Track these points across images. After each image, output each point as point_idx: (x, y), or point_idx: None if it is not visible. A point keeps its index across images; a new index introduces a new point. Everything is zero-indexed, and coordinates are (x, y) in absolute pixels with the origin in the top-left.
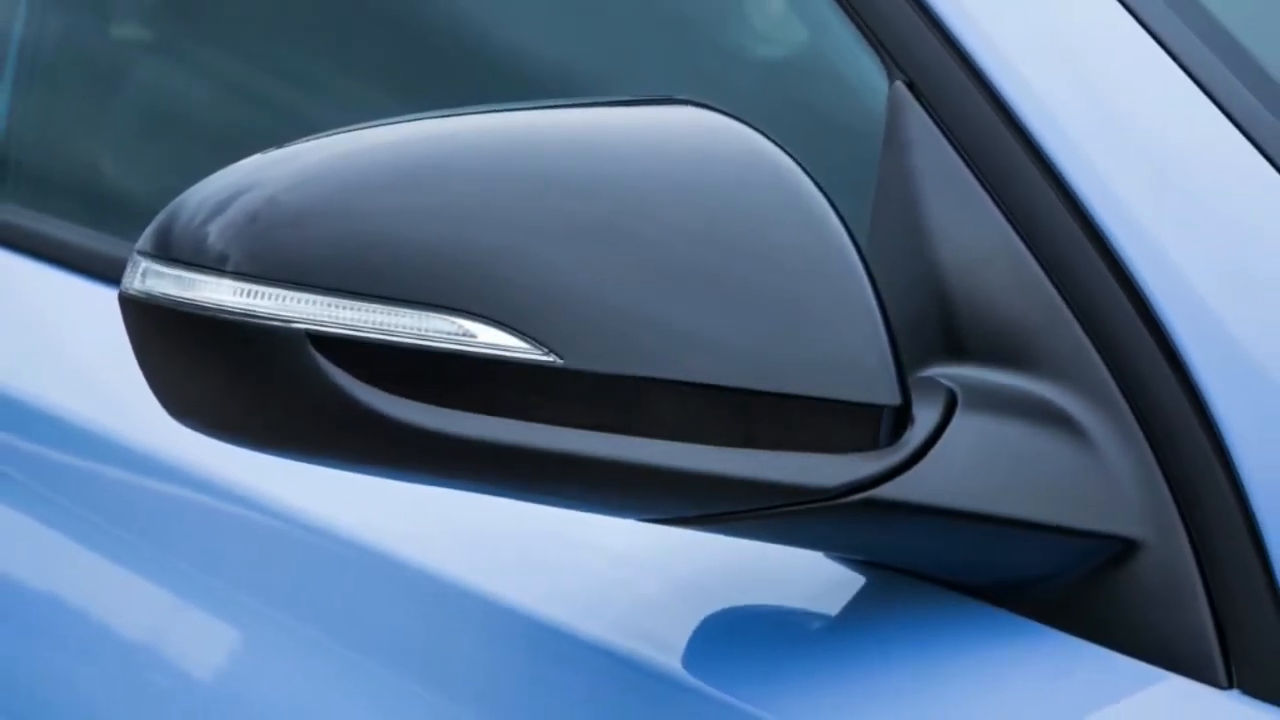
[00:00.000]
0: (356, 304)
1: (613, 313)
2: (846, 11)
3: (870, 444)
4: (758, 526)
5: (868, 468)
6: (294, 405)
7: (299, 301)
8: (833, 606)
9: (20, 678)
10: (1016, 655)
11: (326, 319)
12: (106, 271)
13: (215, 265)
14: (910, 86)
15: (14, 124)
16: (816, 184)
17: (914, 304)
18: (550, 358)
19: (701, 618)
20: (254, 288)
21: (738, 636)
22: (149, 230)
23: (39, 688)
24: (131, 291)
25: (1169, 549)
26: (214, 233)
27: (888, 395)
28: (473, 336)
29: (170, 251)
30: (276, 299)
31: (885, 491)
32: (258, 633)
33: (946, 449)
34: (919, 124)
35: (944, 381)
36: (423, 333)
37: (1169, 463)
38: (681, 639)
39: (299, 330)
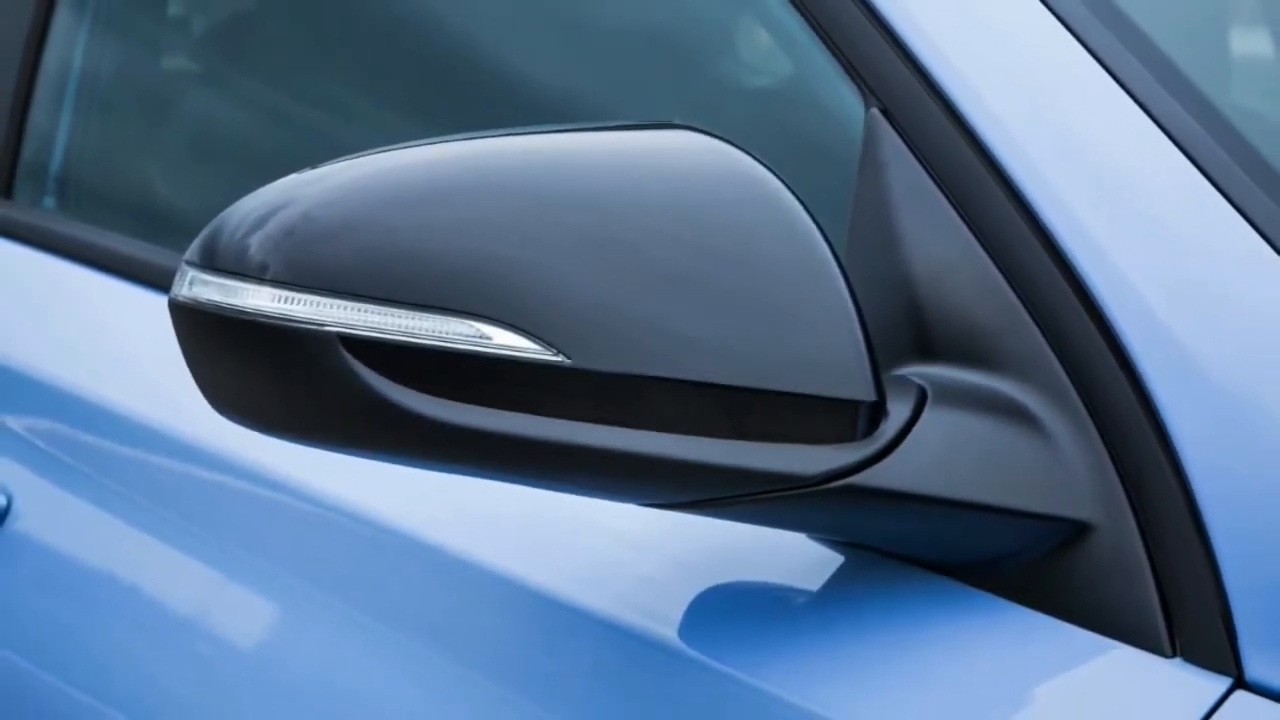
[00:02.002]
0: (383, 309)
1: (615, 317)
2: (826, 45)
3: (849, 436)
4: (747, 511)
5: (846, 457)
6: (327, 401)
7: (331, 307)
8: (815, 583)
9: (82, 646)
10: (981, 627)
11: (356, 322)
12: (157, 280)
13: (256, 274)
14: (884, 113)
15: (73, 146)
16: (800, 200)
17: (888, 309)
18: (558, 358)
19: (696, 593)
20: (291, 294)
21: (729, 610)
22: (195, 243)
23: (99, 655)
24: (180, 298)
25: (1119, 531)
26: (254, 245)
27: (864, 392)
28: (488, 338)
29: (215, 262)
30: (311, 305)
31: (862, 479)
32: (296, 606)
33: (918, 440)
34: (892, 147)
35: (915, 379)
36: (443, 335)
37: (1119, 453)
38: (678, 612)
39: (331, 333)
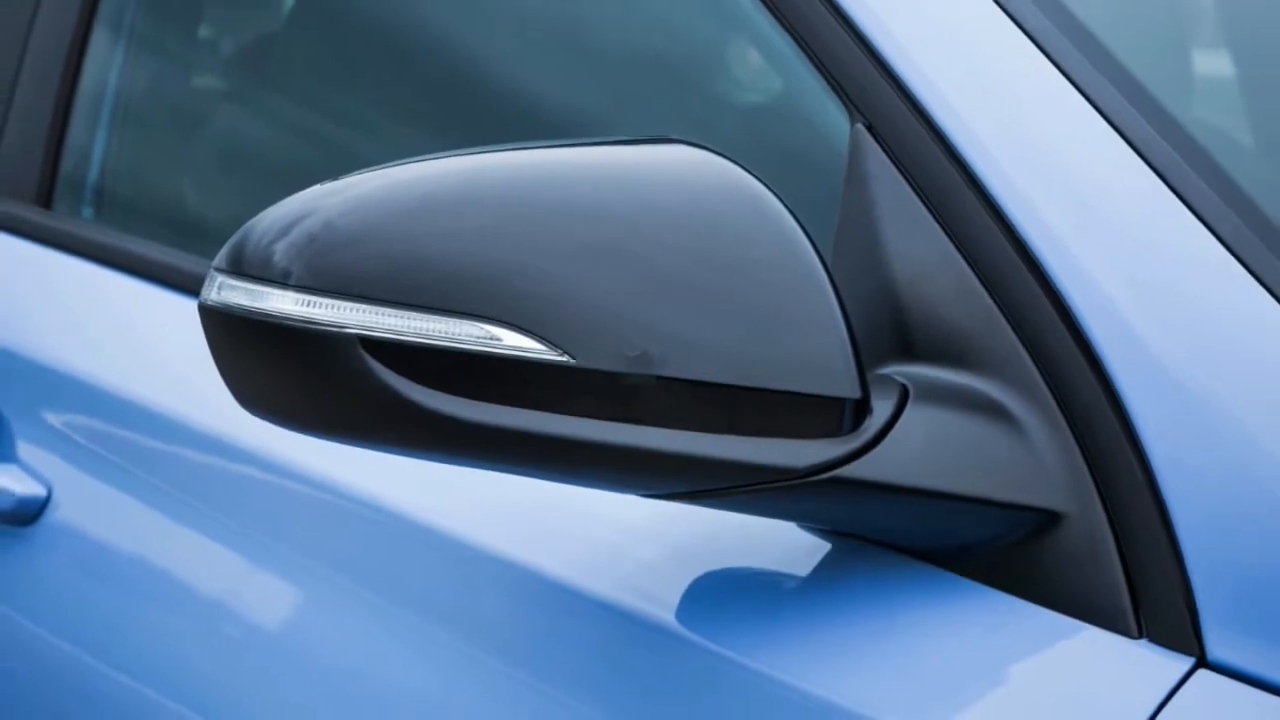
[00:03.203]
0: (400, 312)
1: (617, 319)
2: (815, 65)
3: (835, 431)
4: (740, 501)
5: (833, 451)
6: (347, 398)
7: (351, 310)
8: (805, 569)
9: (116, 629)
10: (959, 609)
11: (374, 325)
12: (188, 285)
13: (280, 280)
14: (869, 128)
15: (109, 159)
16: (790, 210)
17: (872, 312)
18: (564, 358)
19: (693, 578)
20: (313, 299)
21: (724, 594)
22: (223, 250)
23: (132, 637)
24: (209, 302)
25: (1088, 519)
26: (279, 252)
27: (850, 389)
28: (498, 340)
29: (242, 268)
30: (332, 308)
31: (848, 471)
32: (317, 591)
33: (900, 435)
34: (876, 160)
35: (898, 378)
36: (456, 336)
37: (1088, 446)
38: (675, 596)
39: (351, 335)
